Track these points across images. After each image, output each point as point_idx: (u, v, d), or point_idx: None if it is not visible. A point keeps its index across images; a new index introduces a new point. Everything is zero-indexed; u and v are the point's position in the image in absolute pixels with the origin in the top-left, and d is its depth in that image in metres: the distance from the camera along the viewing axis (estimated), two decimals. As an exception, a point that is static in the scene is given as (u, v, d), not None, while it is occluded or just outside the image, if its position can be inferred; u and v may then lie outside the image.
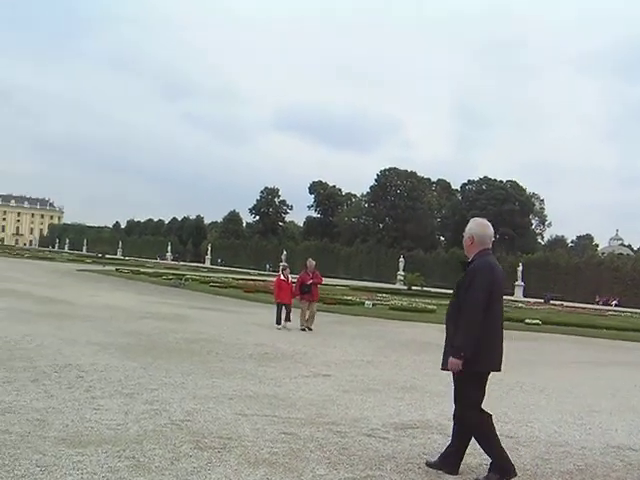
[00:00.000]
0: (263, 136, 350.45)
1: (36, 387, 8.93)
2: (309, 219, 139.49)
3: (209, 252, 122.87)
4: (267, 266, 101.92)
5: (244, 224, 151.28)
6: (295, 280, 21.22)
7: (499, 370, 6.37)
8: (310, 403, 9.30)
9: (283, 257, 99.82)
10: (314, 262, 21.64)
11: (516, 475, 6.20)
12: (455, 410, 6.44)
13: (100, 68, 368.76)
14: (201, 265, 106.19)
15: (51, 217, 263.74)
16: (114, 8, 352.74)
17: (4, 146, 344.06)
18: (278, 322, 20.17)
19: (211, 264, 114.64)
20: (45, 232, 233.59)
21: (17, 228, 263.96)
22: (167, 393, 9.18)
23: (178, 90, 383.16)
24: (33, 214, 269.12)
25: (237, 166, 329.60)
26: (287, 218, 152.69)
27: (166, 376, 10.50)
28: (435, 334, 22.30)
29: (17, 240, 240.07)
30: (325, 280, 25.86)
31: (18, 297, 23.62)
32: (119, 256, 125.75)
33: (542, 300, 59.05)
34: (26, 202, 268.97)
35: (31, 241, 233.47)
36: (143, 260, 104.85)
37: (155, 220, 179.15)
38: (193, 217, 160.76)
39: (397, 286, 73.19)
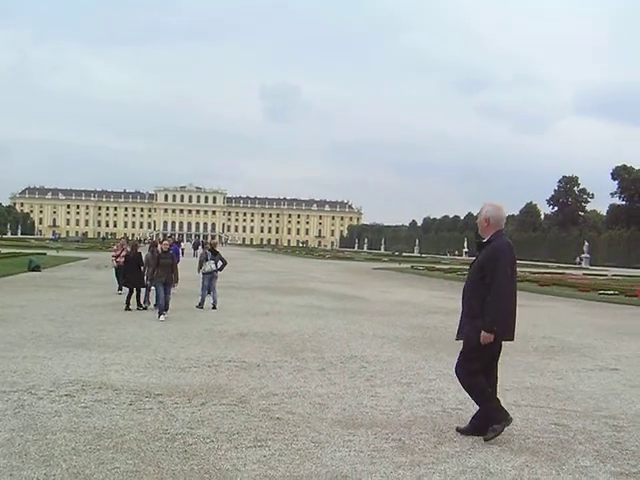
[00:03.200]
0: (562, 121, 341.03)
1: (322, 375, 9.72)
2: (613, 207, 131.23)
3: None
4: (577, 259, 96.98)
5: (542, 216, 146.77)
6: None
7: (513, 339, 6.92)
8: (590, 396, 9.06)
9: (585, 248, 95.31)
10: None
11: (509, 422, 6.75)
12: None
13: (392, 73, 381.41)
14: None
15: (350, 219, 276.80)
16: (404, 17, 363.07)
17: (307, 153, 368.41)
18: None
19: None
20: (345, 233, 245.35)
21: (319, 231, 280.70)
22: (444, 383, 9.47)
23: (472, 84, 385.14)
24: (334, 217, 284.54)
25: (533, 155, 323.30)
26: (588, 207, 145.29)
27: (446, 367, 10.75)
28: None
29: (319, 242, 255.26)
30: (632, 272, 24.19)
31: (317, 295, 25.34)
32: (416, 254, 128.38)
33: None
34: (327, 205, 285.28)
35: (332, 242, 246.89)
36: (439, 257, 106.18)
37: (451, 216, 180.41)
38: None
39: None
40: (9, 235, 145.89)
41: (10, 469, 5.33)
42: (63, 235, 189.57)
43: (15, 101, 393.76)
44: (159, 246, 17.83)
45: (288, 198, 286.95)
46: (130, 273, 19.04)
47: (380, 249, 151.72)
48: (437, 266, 59.36)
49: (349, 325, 16.08)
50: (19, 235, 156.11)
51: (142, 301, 18.76)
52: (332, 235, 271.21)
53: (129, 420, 6.86)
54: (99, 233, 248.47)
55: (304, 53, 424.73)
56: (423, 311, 20.56)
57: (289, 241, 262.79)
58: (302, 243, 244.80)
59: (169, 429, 6.58)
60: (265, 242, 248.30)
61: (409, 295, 27.57)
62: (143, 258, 19.38)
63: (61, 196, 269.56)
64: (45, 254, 50.99)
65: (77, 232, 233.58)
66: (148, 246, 20.95)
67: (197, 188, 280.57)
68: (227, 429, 6.67)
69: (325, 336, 14.01)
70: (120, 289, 21.58)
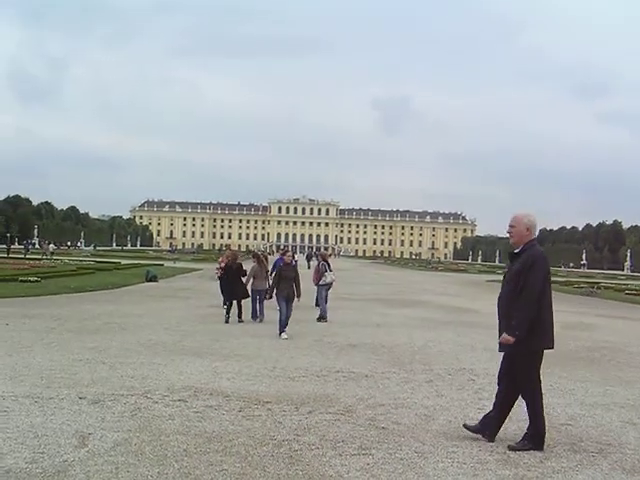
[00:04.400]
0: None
1: (429, 387, 9.73)
2: None
3: (628, 258, 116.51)
4: None
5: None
6: None
7: (552, 347, 7.04)
8: None
9: None
10: None
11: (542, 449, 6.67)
12: (500, 384, 7.08)
13: (505, 79, 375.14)
14: (619, 273, 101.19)
15: (464, 230, 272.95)
16: (518, 20, 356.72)
17: (420, 163, 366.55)
18: None
19: (631, 271, 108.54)
20: (459, 245, 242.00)
21: (433, 242, 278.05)
22: (553, 398, 9.27)
23: (592, 89, 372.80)
24: (447, 228, 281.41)
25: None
26: None
27: (556, 382, 10.56)
28: None
29: (433, 254, 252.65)
30: None
31: (429, 307, 25.23)
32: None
33: None
34: (440, 217, 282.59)
35: (446, 254, 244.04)
36: (555, 269, 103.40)
37: (568, 227, 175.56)
38: (609, 222, 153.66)
39: None
40: (129, 246, 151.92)
41: (127, 466, 5.66)
42: (179, 247, 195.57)
43: (134, 118, 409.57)
44: (271, 258, 17.63)
45: (401, 210, 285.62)
46: (230, 285, 18.62)
47: (495, 261, 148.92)
48: (553, 279, 57.69)
49: (459, 338, 15.95)
50: (138, 246, 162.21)
51: (251, 314, 18.46)
52: (445, 247, 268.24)
53: (238, 426, 7.10)
54: (214, 245, 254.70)
55: (416, 62, 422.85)
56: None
57: (402, 253, 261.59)
58: (415, 255, 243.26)
59: (276, 435, 6.77)
60: (378, 254, 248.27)
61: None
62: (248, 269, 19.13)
63: (178, 209, 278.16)
64: (162, 265, 52.82)
65: (193, 244, 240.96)
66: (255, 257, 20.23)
67: (310, 200, 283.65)
68: (332, 437, 6.80)
69: (434, 348, 13.97)
70: (225, 303, 20.93)
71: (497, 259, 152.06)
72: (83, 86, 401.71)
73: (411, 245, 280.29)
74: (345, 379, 10.11)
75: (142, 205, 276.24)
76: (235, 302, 18.43)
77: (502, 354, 7.12)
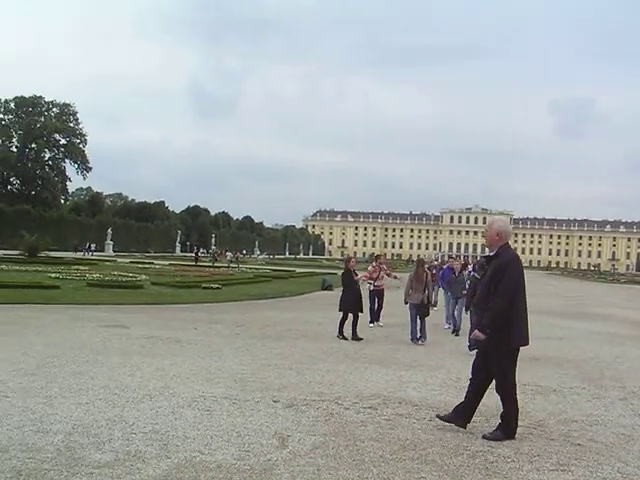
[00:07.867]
0: None
1: (624, 405, 9.35)
2: None
3: None
4: None
5: None
6: None
7: (527, 344, 7.40)
8: None
9: None
10: None
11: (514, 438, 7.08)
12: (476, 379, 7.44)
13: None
14: None
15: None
16: None
17: (601, 169, 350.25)
18: None
19: None
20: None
21: (613, 253, 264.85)
22: None
23: None
24: (629, 238, 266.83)
25: None
26: None
27: None
28: None
29: (613, 265, 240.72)
30: None
31: (612, 321, 24.25)
32: None
33: None
34: (622, 226, 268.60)
35: (628, 266, 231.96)
36: None
37: None
38: None
39: None
40: (302, 255, 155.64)
41: (328, 468, 5.85)
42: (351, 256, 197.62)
43: (308, 130, 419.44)
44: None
45: (578, 219, 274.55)
46: (344, 294, 16.45)
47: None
48: None
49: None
50: (310, 255, 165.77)
51: (411, 335, 15.77)
52: (628, 258, 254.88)
53: (430, 435, 7.13)
54: (385, 254, 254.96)
55: (597, 62, 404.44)
56: None
57: (579, 264, 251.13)
58: (594, 266, 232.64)
59: (469, 446, 6.75)
60: (553, 264, 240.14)
61: None
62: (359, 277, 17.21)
63: (349, 218, 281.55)
64: (336, 274, 53.55)
65: (364, 253, 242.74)
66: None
67: (483, 209, 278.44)
68: (527, 451, 6.69)
69: (624, 365, 13.37)
70: (371, 321, 18.67)
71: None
72: (259, 101, 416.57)
73: (589, 256, 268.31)
74: (532, 393, 9.89)
75: (314, 215, 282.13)
76: (345, 314, 16.24)
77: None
